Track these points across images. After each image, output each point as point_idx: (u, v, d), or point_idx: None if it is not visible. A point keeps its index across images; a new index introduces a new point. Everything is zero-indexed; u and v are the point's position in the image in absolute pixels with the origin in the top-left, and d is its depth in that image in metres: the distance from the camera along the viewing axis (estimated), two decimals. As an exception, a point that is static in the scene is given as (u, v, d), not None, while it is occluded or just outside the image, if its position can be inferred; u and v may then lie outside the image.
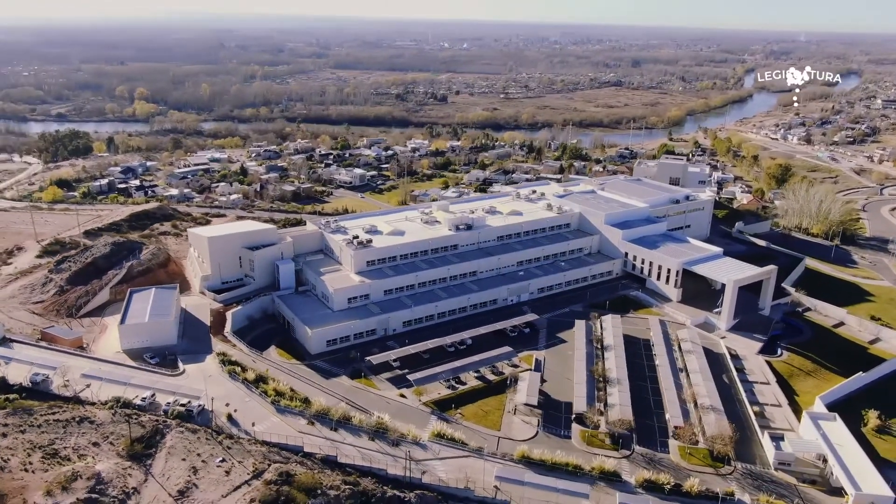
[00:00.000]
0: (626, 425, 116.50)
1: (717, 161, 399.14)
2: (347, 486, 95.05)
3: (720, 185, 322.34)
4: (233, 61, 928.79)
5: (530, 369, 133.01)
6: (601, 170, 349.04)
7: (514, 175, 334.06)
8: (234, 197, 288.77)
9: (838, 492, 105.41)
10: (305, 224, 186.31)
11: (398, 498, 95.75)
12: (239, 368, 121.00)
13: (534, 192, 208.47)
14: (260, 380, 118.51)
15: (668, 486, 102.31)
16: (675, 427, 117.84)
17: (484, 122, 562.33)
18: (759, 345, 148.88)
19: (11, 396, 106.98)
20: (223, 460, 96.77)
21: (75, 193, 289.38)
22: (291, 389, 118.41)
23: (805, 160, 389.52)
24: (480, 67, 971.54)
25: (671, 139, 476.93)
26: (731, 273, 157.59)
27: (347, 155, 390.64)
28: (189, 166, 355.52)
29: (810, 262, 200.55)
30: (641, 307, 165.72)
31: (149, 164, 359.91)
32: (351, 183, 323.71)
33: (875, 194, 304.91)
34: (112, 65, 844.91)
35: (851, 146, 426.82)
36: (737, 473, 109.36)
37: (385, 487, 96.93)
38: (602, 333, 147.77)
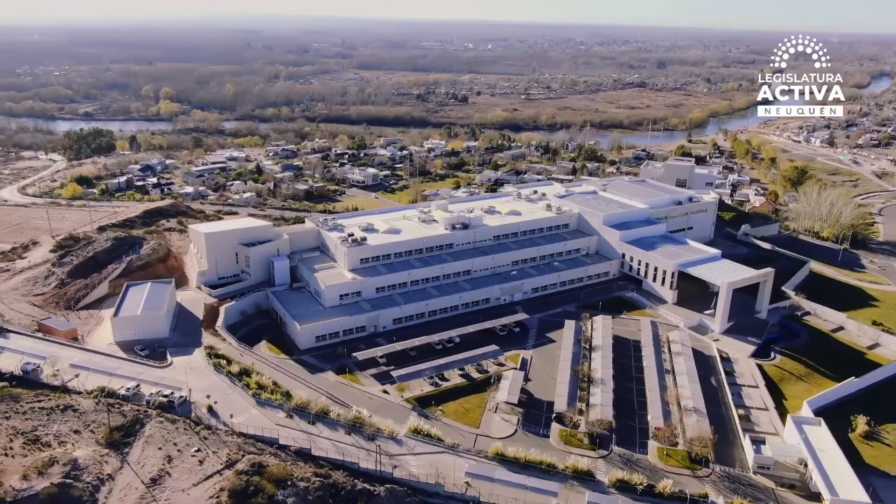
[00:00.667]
0: (605, 425, 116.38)
1: (735, 163, 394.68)
2: (318, 479, 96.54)
3: (734, 187, 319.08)
4: (258, 61, 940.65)
5: (515, 368, 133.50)
6: (614, 171, 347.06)
7: (525, 176, 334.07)
8: (247, 195, 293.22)
9: (817, 497, 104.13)
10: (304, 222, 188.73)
11: (368, 491, 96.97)
12: (224, 362, 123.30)
13: (535, 192, 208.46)
14: (244, 373, 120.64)
15: (641, 487, 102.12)
16: (656, 428, 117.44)
17: (503, 122, 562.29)
18: (751, 348, 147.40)
19: (1, 384, 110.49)
20: (198, 450, 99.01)
21: (94, 190, 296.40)
22: (275, 383, 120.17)
23: (826, 163, 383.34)
24: (504, 68, 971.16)
25: (690, 141, 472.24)
26: (725, 275, 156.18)
27: (362, 155, 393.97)
28: (206, 165, 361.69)
29: (815, 266, 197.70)
30: (635, 308, 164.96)
31: (168, 162, 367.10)
32: (364, 182, 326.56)
33: (894, 198, 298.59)
34: (140, 65, 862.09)
35: (875, 149, 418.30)
36: (714, 476, 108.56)
37: (356, 481, 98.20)
38: (591, 334, 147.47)
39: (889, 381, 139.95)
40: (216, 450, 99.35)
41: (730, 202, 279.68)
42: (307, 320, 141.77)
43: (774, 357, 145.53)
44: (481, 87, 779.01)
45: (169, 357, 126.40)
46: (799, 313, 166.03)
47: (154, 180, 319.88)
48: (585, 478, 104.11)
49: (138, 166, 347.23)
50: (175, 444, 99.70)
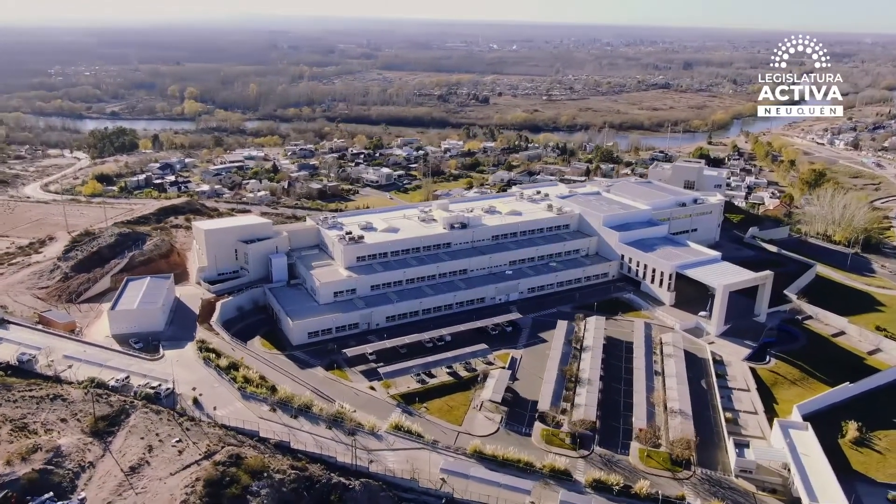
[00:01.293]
0: (587, 425, 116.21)
1: (754, 165, 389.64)
2: (294, 472, 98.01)
3: (750, 189, 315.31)
4: (283, 62, 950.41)
5: (503, 367, 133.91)
6: (629, 173, 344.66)
7: (538, 176, 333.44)
8: (261, 193, 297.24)
9: (798, 502, 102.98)
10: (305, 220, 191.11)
11: (343, 485, 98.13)
12: (214, 355, 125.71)
13: (538, 192, 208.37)
14: (232, 367, 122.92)
15: (617, 487, 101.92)
16: (639, 429, 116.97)
17: (522, 123, 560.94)
18: (746, 351, 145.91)
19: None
20: (179, 440, 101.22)
21: (114, 188, 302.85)
22: (262, 378, 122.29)
23: (848, 166, 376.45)
24: (527, 69, 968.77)
25: (710, 143, 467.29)
26: (722, 277, 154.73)
27: (378, 154, 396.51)
28: (224, 164, 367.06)
29: (823, 270, 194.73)
30: (631, 310, 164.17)
31: (187, 160, 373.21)
32: (378, 182, 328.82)
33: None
34: (168, 65, 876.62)
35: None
36: (695, 478, 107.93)
37: (332, 474, 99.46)
38: (583, 335, 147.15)
39: (887, 388, 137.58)
40: (196, 441, 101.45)
41: (743, 204, 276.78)
42: (300, 316, 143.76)
43: (769, 361, 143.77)
44: (503, 88, 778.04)
45: (161, 350, 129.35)
46: (800, 317, 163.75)
47: (172, 178, 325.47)
48: (562, 477, 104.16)
49: (158, 165, 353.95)
50: (157, 434, 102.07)
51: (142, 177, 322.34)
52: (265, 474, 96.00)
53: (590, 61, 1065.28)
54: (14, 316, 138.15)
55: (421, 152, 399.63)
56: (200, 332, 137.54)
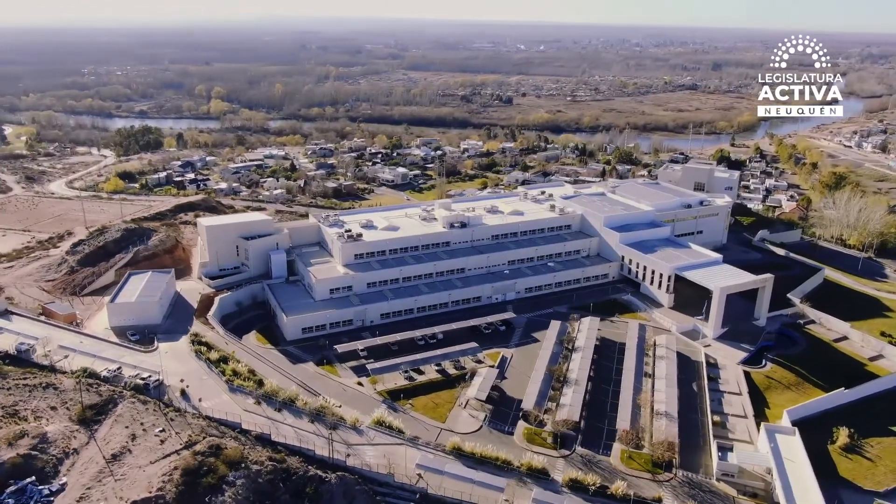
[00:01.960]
0: (570, 425, 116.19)
1: (776, 168, 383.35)
2: (272, 463, 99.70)
3: (768, 192, 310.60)
4: (311, 62, 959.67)
5: (492, 366, 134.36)
6: (646, 174, 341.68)
7: (553, 177, 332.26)
8: (277, 191, 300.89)
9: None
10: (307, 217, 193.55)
11: (319, 477, 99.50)
12: (205, 349, 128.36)
13: (542, 192, 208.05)
14: (222, 360, 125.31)
15: (593, 487, 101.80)
16: (623, 431, 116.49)
17: (544, 124, 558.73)
18: (742, 354, 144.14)
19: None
20: (162, 430, 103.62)
21: (136, 185, 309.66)
22: (251, 371, 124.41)
23: (874, 169, 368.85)
24: (554, 70, 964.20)
25: (733, 144, 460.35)
26: (720, 279, 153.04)
27: (395, 154, 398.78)
28: (245, 162, 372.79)
29: (832, 274, 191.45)
30: (629, 311, 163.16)
31: (208, 159, 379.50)
32: (393, 181, 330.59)
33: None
34: (198, 65, 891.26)
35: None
36: (675, 481, 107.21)
37: (309, 467, 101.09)
38: (576, 335, 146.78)
39: (885, 395, 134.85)
40: (179, 431, 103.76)
41: (759, 207, 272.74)
42: (295, 312, 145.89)
43: (765, 365, 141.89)
44: (528, 89, 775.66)
45: (156, 342, 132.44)
46: (802, 321, 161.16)
47: (192, 176, 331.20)
48: (540, 476, 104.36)
49: (179, 163, 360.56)
50: (142, 423, 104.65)
51: (162, 174, 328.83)
52: (243, 465, 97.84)
53: (617, 62, 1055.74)
54: (19, 307, 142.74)
55: (439, 152, 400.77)
56: (196, 326, 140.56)
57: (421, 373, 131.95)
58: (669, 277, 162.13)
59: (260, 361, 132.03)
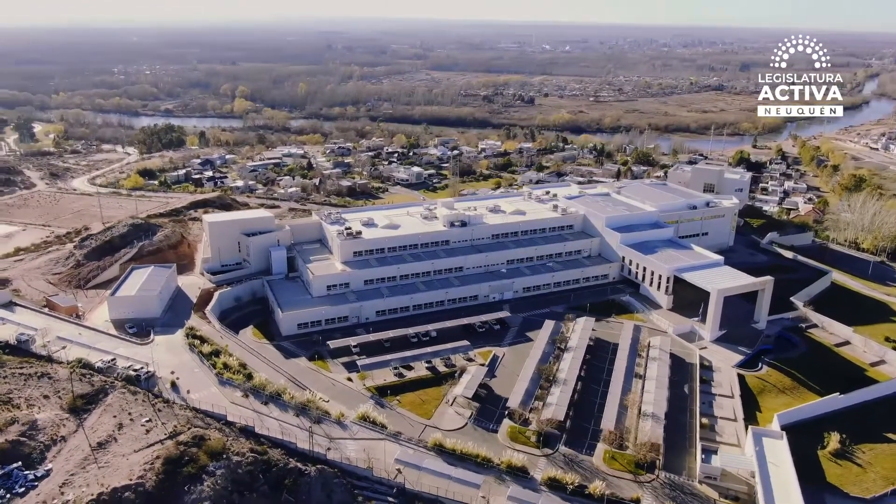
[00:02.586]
0: (554, 424, 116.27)
1: (797, 170, 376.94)
2: (253, 455, 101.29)
3: (786, 194, 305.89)
4: (335, 62, 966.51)
5: (483, 364, 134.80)
6: (662, 175, 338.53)
7: (567, 178, 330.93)
8: (292, 190, 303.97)
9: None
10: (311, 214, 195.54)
11: (298, 470, 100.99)
12: (199, 342, 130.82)
13: (547, 192, 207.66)
14: (215, 354, 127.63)
15: (572, 486, 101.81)
16: (608, 431, 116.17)
17: (565, 124, 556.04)
18: (738, 357, 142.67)
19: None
20: (149, 420, 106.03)
21: (155, 182, 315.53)
22: (242, 365, 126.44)
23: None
24: (579, 70, 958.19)
25: (755, 146, 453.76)
26: (718, 281, 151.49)
27: (412, 153, 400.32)
28: (263, 160, 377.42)
29: (840, 278, 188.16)
30: (626, 312, 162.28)
31: (228, 157, 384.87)
32: (407, 180, 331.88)
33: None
34: (224, 65, 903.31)
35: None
36: (657, 482, 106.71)
37: (290, 459, 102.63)
38: (570, 335, 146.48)
39: (884, 401, 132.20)
40: (165, 421, 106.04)
41: (774, 210, 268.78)
42: (291, 308, 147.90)
43: (761, 368, 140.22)
44: (551, 89, 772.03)
45: (152, 335, 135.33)
46: (803, 325, 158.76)
47: (210, 174, 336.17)
48: (519, 474, 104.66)
49: (198, 160, 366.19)
50: (130, 413, 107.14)
51: (181, 172, 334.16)
52: (224, 456, 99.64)
53: (643, 62, 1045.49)
54: (24, 299, 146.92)
55: (455, 152, 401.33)
56: (193, 320, 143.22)
57: (411, 370, 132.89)
58: (668, 279, 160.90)
59: (253, 356, 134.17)
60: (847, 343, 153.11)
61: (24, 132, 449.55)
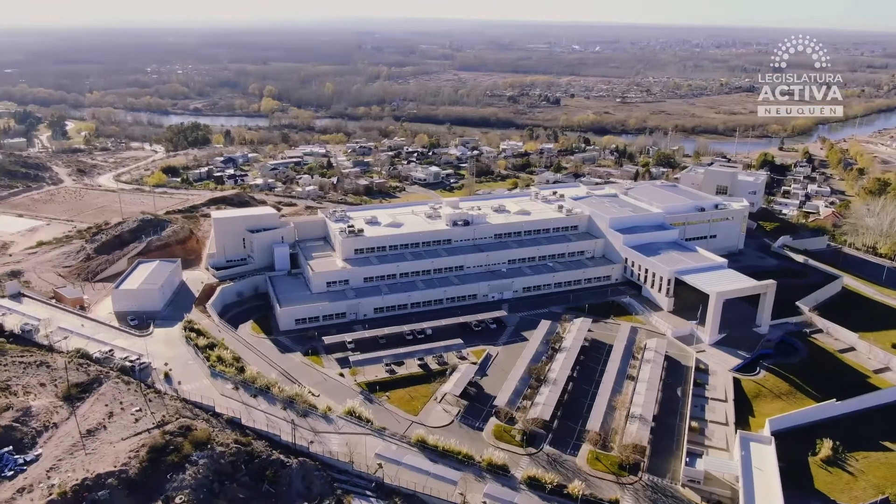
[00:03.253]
0: (539, 424, 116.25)
1: (822, 173, 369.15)
2: (237, 446, 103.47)
3: (808, 197, 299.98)
4: (364, 62, 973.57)
5: (474, 362, 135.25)
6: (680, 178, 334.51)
7: (584, 178, 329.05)
8: (309, 188, 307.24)
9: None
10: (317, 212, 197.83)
11: (280, 462, 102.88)
12: (196, 335, 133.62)
13: (554, 193, 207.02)
14: (210, 347, 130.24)
15: (551, 486, 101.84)
16: (594, 432, 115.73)
17: (589, 125, 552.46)
18: (736, 361, 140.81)
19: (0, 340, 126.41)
20: (139, 409, 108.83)
21: (178, 179, 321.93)
22: (237, 358, 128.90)
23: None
24: (608, 70, 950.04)
25: (781, 148, 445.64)
26: (719, 284, 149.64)
27: (431, 153, 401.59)
28: (284, 159, 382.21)
29: (852, 283, 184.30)
30: (625, 313, 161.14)
31: (250, 155, 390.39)
32: (425, 180, 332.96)
33: None
34: (255, 64, 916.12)
35: None
36: (639, 484, 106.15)
37: (273, 451, 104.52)
38: (565, 335, 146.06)
39: (883, 408, 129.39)
40: (155, 411, 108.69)
41: (792, 213, 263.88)
42: (290, 303, 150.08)
43: (759, 372, 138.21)
44: (577, 90, 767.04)
45: (152, 328, 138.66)
46: (807, 330, 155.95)
47: (231, 172, 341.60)
48: (500, 472, 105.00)
49: (221, 158, 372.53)
50: (121, 402, 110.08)
51: (204, 169, 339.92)
52: (208, 446, 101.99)
53: (673, 63, 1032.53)
54: (33, 291, 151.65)
55: (475, 152, 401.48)
56: (193, 314, 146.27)
57: (403, 366, 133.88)
58: (669, 281, 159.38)
59: (248, 350, 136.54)
60: (851, 349, 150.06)
61: (56, 129, 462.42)
